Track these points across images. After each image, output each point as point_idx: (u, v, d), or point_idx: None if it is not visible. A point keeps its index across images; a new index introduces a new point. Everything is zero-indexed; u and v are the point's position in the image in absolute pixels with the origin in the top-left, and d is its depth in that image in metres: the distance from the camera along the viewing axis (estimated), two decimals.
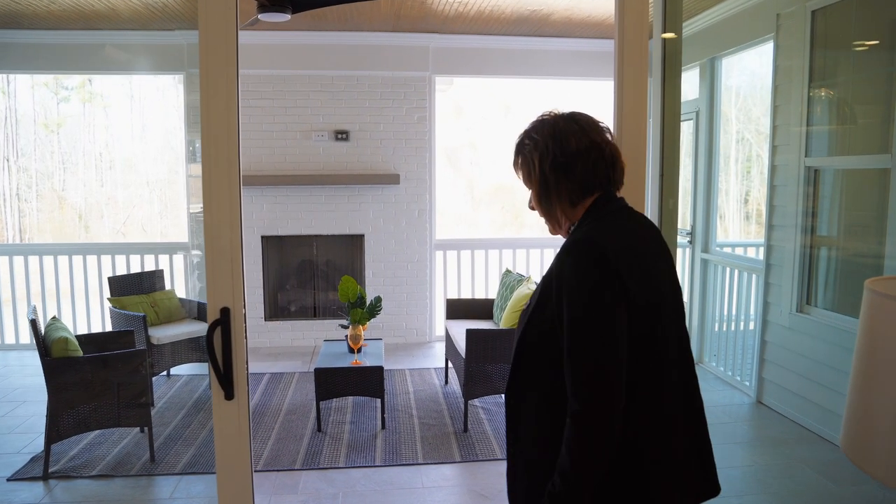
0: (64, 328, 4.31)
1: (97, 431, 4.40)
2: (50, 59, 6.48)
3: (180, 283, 6.94)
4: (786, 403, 4.65)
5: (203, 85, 1.95)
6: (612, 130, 1.60)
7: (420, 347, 6.85)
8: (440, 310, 7.11)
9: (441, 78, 6.92)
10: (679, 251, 6.75)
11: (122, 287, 5.62)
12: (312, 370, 5.12)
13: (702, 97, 5.95)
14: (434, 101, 6.84)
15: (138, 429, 4.50)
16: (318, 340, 6.86)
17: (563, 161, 1.51)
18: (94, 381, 4.03)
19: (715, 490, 1.58)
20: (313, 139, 6.67)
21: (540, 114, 1.61)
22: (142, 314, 5.16)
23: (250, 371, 6.00)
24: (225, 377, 1.98)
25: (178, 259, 6.93)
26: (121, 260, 6.88)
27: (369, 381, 4.66)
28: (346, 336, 4.81)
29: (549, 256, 7.17)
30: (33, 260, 6.72)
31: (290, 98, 6.63)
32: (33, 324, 3.96)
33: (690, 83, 6.46)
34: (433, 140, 6.87)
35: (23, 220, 9.32)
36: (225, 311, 1.99)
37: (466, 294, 7.10)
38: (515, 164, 1.62)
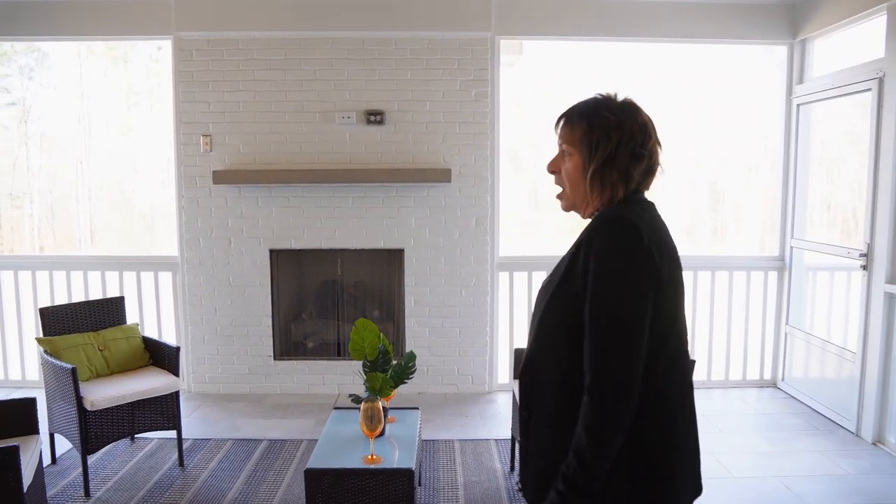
0: None
1: None
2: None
3: (167, 308, 5.39)
4: None
5: None
6: None
7: (477, 402, 5.12)
8: (504, 350, 5.36)
9: (507, 40, 5.16)
10: (843, 277, 4.84)
11: (61, 321, 4.06)
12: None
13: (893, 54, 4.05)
14: (498, 72, 5.10)
15: None
16: (342, 387, 5.21)
17: (639, 153, 1.57)
18: None
19: (700, 490, 1.65)
20: (337, 122, 5.01)
21: (611, 93, 1.63)
22: (70, 366, 3.57)
23: (244, 435, 4.37)
24: None
25: (166, 278, 5.38)
26: (93, 277, 5.38)
27: (390, 492, 2.95)
28: (360, 415, 3.08)
29: None
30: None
31: (307, 68, 4.98)
32: None
33: (865, 36, 4.57)
34: (497, 124, 5.12)
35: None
36: None
37: None
38: (575, 126, 1.60)
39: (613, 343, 1.43)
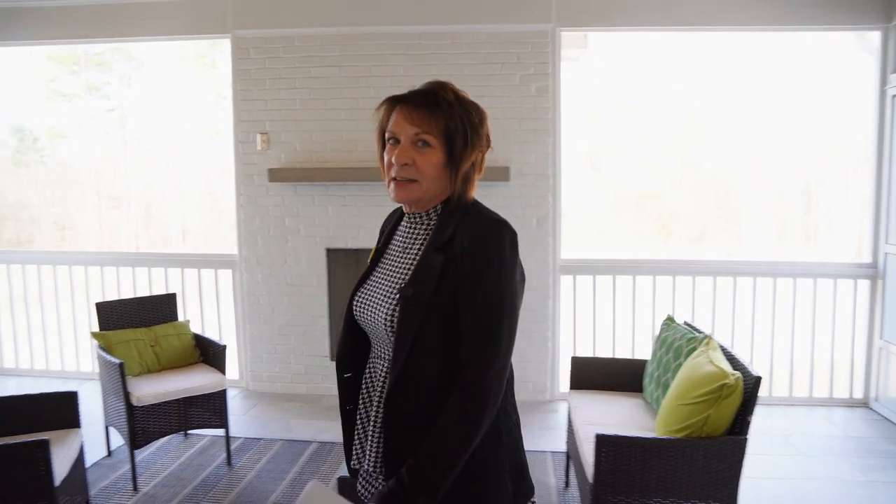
0: None
1: None
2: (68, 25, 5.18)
3: (226, 305, 5.41)
4: None
5: None
6: None
7: (536, 410, 4.89)
8: (566, 355, 5.10)
9: (569, 33, 4.92)
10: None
11: (115, 316, 4.09)
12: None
13: None
14: (559, 66, 4.86)
15: None
16: None
17: (484, 157, 1.63)
18: None
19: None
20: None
21: (461, 91, 1.61)
22: (118, 361, 3.58)
23: (295, 436, 4.38)
24: None
25: (226, 275, 5.40)
26: (159, 274, 5.47)
27: None
28: None
29: (727, 287, 4.96)
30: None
31: (362, 64, 4.89)
32: None
33: None
34: (558, 120, 4.89)
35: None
36: None
37: (604, 338, 5.05)
38: (436, 113, 1.53)
39: (500, 342, 1.46)
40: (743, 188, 6.65)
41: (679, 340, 3.18)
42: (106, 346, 3.89)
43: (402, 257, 1.63)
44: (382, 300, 1.57)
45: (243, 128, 5.02)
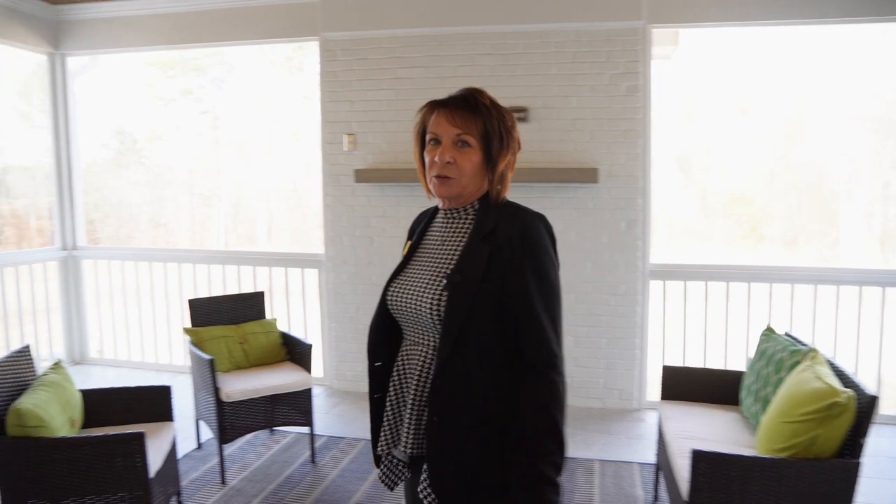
0: (49, 385, 2.91)
1: None
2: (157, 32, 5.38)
3: (312, 304, 5.49)
4: None
5: None
6: None
7: (623, 419, 4.74)
8: (655, 364, 4.94)
9: (660, 29, 4.75)
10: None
11: (206, 313, 4.20)
12: None
13: None
14: (649, 64, 4.70)
15: None
16: None
17: (515, 157, 1.77)
18: (58, 476, 2.56)
19: None
20: None
21: (493, 97, 1.73)
22: (208, 357, 3.67)
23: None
24: None
25: (312, 274, 5.48)
26: (247, 272, 5.61)
27: None
28: None
29: (827, 296, 4.67)
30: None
31: (448, 64, 4.86)
32: None
33: None
34: (648, 120, 4.72)
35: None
36: None
37: (695, 347, 4.85)
38: (475, 116, 1.66)
39: (555, 329, 1.62)
40: (841, 190, 6.29)
41: (780, 353, 3.00)
42: (197, 342, 4.00)
43: (441, 249, 1.73)
44: (425, 288, 1.67)
45: (330, 129, 5.08)
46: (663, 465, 3.24)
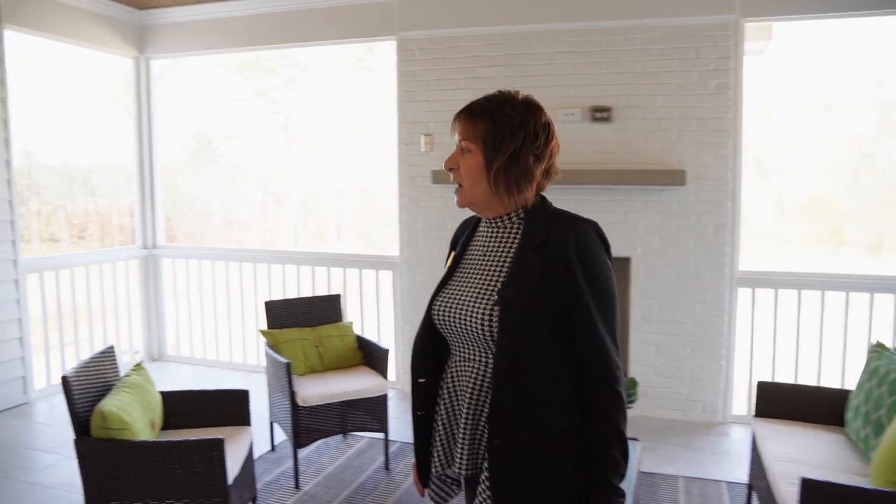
0: (131, 387, 2.92)
1: None
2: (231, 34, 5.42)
3: (385, 305, 5.45)
4: None
5: None
6: None
7: (707, 433, 4.52)
8: (741, 376, 4.70)
9: (753, 23, 4.50)
10: None
11: (282, 315, 4.18)
12: None
13: None
14: (741, 60, 4.45)
15: None
16: None
17: (540, 154, 1.60)
18: (138, 479, 2.55)
19: None
20: (560, 120, 4.69)
21: (512, 90, 1.65)
22: (285, 360, 3.64)
23: None
24: None
25: (386, 276, 5.43)
26: (321, 273, 5.61)
27: None
28: None
29: None
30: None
31: (528, 64, 4.73)
32: (64, 381, 2.65)
33: None
34: (739, 119, 4.48)
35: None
36: None
37: (785, 360, 4.58)
38: (477, 122, 1.62)
39: (613, 339, 1.55)
40: None
41: (895, 373, 2.76)
42: (273, 345, 3.98)
43: (486, 261, 1.66)
44: (475, 302, 1.60)
45: (407, 129, 5.02)
46: (759, 487, 3.04)
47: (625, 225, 4.65)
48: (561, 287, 1.52)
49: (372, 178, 7.31)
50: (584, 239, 1.55)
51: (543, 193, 1.68)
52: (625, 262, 4.70)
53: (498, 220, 1.67)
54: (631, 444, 3.18)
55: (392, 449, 4.16)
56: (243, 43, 5.57)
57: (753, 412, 3.37)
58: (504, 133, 1.58)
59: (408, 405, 4.98)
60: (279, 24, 5.34)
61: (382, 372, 3.97)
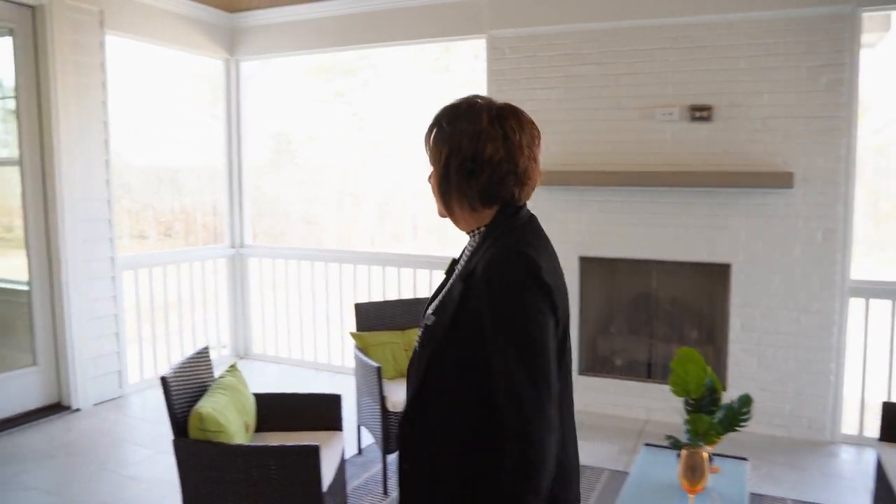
0: (226, 388, 2.92)
1: None
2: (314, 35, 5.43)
3: None
4: None
5: None
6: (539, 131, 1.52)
7: (814, 452, 4.24)
8: (853, 393, 4.40)
9: (871, 13, 4.19)
10: None
11: (371, 318, 4.14)
12: (629, 471, 2.99)
13: None
14: (858, 54, 4.15)
15: None
16: (650, 412, 4.69)
17: (471, 167, 1.45)
18: (234, 482, 2.53)
19: None
20: (658, 118, 4.50)
21: (467, 97, 1.53)
22: (376, 364, 3.58)
23: None
24: None
25: None
26: (407, 274, 5.56)
27: None
28: (679, 462, 2.56)
29: None
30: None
31: (623, 61, 4.55)
32: (163, 382, 2.66)
33: None
34: (853, 118, 4.19)
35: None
36: None
37: None
38: (426, 141, 1.54)
39: (538, 386, 1.33)
40: None
41: None
42: (363, 347, 3.95)
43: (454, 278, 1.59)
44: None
45: None
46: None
47: (725, 230, 4.41)
48: (476, 322, 1.38)
49: None
50: (498, 267, 1.37)
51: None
52: (725, 269, 4.47)
53: (470, 235, 1.57)
54: (740, 463, 3.00)
55: None
56: (331, 43, 5.58)
57: (875, 434, 3.14)
58: (435, 149, 1.51)
59: None
60: (368, 24, 5.33)
61: None
